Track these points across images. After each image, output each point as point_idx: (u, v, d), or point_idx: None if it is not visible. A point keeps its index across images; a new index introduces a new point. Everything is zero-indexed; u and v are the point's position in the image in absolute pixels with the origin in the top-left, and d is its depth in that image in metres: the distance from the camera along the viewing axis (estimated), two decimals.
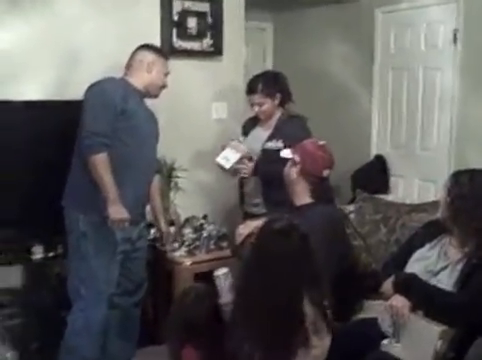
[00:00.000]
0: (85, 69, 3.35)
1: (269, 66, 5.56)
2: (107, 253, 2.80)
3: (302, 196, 2.68)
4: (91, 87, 2.78)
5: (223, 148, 3.28)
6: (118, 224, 2.69)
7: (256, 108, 3.31)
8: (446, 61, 4.24)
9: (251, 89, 3.30)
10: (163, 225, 3.18)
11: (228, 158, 3.23)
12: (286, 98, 3.37)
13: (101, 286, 2.82)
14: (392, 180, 4.70)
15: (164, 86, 2.99)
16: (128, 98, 2.78)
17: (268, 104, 3.28)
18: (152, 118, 2.99)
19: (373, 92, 4.85)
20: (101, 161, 2.65)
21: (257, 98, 3.27)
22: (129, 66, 2.93)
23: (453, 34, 4.17)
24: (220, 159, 3.24)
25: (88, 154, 2.67)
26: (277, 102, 3.31)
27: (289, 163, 2.71)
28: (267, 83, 3.29)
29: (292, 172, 2.67)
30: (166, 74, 2.98)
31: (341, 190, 4.43)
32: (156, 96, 3.00)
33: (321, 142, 2.74)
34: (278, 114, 3.33)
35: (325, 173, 2.66)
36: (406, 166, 4.59)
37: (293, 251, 2.02)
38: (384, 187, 4.60)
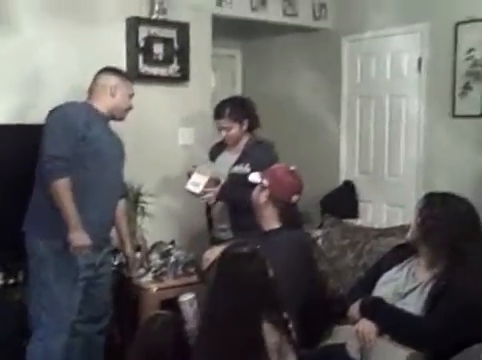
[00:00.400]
0: (48, 93, 3.31)
1: (238, 92, 5.58)
2: (69, 279, 2.73)
3: (270, 221, 2.65)
4: (52, 111, 2.74)
5: (189, 175, 3.25)
6: (80, 250, 2.64)
7: (223, 133, 3.29)
8: (411, 88, 4.31)
9: (218, 114, 3.29)
10: (129, 250, 3.12)
11: (197, 183, 3.20)
12: (254, 123, 3.37)
13: (63, 313, 2.75)
14: (361, 205, 4.73)
15: (129, 108, 2.95)
16: (91, 123, 2.73)
17: (235, 129, 3.27)
18: (117, 142, 2.94)
19: (341, 119, 4.90)
20: (62, 187, 2.60)
21: (224, 122, 3.26)
22: (92, 90, 2.88)
23: (417, 62, 4.24)
24: (190, 186, 3.21)
25: (49, 179, 2.61)
26: (245, 127, 3.30)
27: (258, 188, 2.68)
28: (234, 108, 3.28)
29: (260, 197, 2.65)
30: (131, 96, 2.95)
31: (310, 215, 4.41)
32: (122, 119, 2.96)
33: (292, 167, 2.73)
34: (245, 139, 3.32)
35: (294, 198, 2.64)
36: (374, 191, 4.62)
37: (253, 276, 1.99)
38: (353, 212, 4.61)
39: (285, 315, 2.06)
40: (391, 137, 4.52)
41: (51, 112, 2.74)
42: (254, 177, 2.75)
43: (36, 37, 3.37)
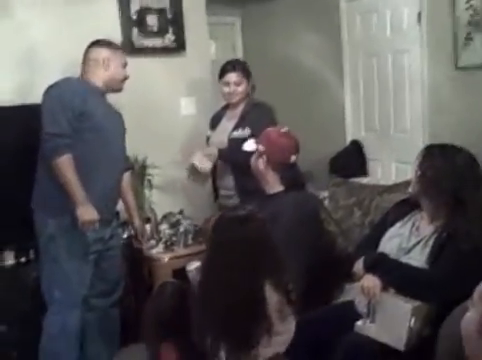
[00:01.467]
0: (44, 72, 3.29)
1: None
2: (79, 255, 2.76)
3: (273, 185, 2.65)
4: (49, 89, 2.73)
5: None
6: (88, 225, 2.65)
7: (232, 88, 3.29)
8: (413, 43, 4.23)
9: (231, 68, 3.31)
10: (137, 222, 3.14)
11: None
12: (253, 88, 3.39)
13: (75, 288, 2.78)
14: (370, 164, 4.70)
15: (125, 78, 2.93)
16: (88, 98, 2.73)
17: (244, 85, 3.30)
18: (116, 115, 2.94)
19: (344, 79, 4.84)
20: (65, 163, 2.61)
21: (236, 76, 3.28)
22: (84, 66, 2.88)
23: (417, 16, 4.16)
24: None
25: (51, 157, 2.62)
26: (249, 87, 3.32)
27: (255, 155, 2.67)
28: (243, 65, 3.36)
29: (259, 164, 2.64)
30: (124, 65, 2.93)
31: (319, 177, 4.42)
32: (119, 90, 2.95)
33: (283, 129, 2.71)
34: (243, 103, 3.33)
35: (292, 159, 2.63)
36: (382, 149, 4.59)
37: (250, 238, 1.98)
38: (362, 171, 4.59)
39: (286, 277, 2.06)
40: (395, 93, 4.45)
41: (47, 90, 2.74)
42: (249, 145, 2.74)
43: (29, 16, 3.34)
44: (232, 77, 3.29)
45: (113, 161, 2.86)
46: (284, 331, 2.01)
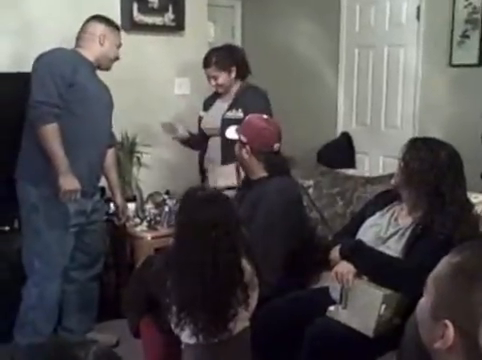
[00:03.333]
0: (41, 43, 3.25)
1: (237, 43, 5.52)
2: (60, 225, 2.77)
3: (257, 171, 2.66)
4: (40, 57, 2.73)
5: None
6: (69, 195, 2.66)
7: (212, 81, 3.32)
8: (409, 38, 4.26)
9: (205, 63, 3.33)
10: (119, 200, 3.15)
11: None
12: (243, 71, 3.38)
13: (55, 259, 2.80)
14: (358, 157, 4.74)
15: (116, 59, 2.93)
16: (78, 69, 2.73)
17: (223, 77, 3.29)
18: (104, 89, 2.94)
19: (339, 70, 4.87)
20: (51, 132, 2.61)
21: (211, 71, 3.29)
22: (80, 38, 2.88)
23: (416, 10, 4.17)
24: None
25: (38, 124, 2.63)
26: (233, 75, 3.31)
27: (237, 144, 2.67)
28: (220, 56, 3.30)
29: (242, 153, 2.64)
30: (118, 46, 2.93)
31: (307, 166, 4.44)
32: (108, 69, 2.95)
33: (264, 116, 2.72)
34: (236, 86, 3.34)
35: (276, 146, 2.63)
36: (371, 143, 4.62)
37: (225, 215, 2.00)
38: (350, 163, 4.63)
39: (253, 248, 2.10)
40: (389, 88, 4.48)
41: (39, 57, 2.74)
42: (231, 133, 2.74)
43: None
44: (208, 72, 3.32)
45: (99, 134, 2.87)
46: (252, 303, 2.05)
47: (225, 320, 1.96)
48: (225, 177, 3.15)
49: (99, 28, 2.86)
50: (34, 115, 2.64)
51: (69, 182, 2.63)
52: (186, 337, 2.00)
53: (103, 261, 3.11)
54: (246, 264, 2.03)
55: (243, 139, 2.62)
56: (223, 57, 3.29)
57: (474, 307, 1.01)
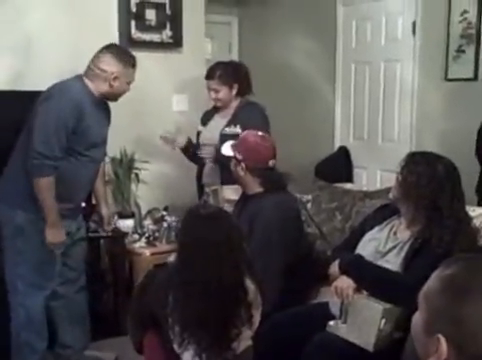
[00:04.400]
0: (39, 60, 3.33)
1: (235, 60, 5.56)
2: (45, 249, 2.73)
3: (253, 187, 2.67)
4: (47, 100, 2.62)
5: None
6: (54, 247, 2.70)
7: (212, 94, 3.35)
8: (406, 53, 4.29)
9: (209, 74, 3.35)
10: (104, 208, 3.12)
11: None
12: (245, 89, 3.41)
13: (40, 281, 2.78)
14: (355, 171, 4.75)
15: (125, 92, 2.83)
16: (84, 115, 2.64)
17: (224, 91, 3.31)
18: (105, 116, 2.88)
19: (336, 85, 4.89)
20: (46, 184, 2.61)
21: (213, 84, 3.32)
22: (90, 69, 2.72)
23: (412, 25, 4.21)
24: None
25: (35, 175, 2.61)
26: (234, 91, 3.34)
27: (233, 162, 2.68)
28: (225, 71, 3.33)
29: (238, 170, 2.65)
30: (129, 83, 2.80)
31: (305, 181, 4.45)
32: (115, 101, 2.87)
33: (260, 133, 2.73)
34: (236, 102, 3.36)
35: (271, 163, 2.64)
36: (369, 157, 4.64)
37: (229, 234, 2.00)
38: (347, 178, 4.63)
39: (255, 267, 2.09)
40: (385, 103, 4.51)
41: (46, 99, 2.63)
42: (226, 150, 2.74)
43: (26, 4, 3.37)
44: (210, 84, 3.34)
45: (94, 164, 2.86)
46: (255, 322, 2.04)
47: (229, 340, 1.95)
48: (233, 190, 3.13)
49: (112, 67, 2.69)
50: (33, 165, 2.60)
51: (56, 235, 2.67)
52: (189, 357, 1.99)
53: (84, 272, 3.07)
54: (249, 283, 2.03)
55: (238, 156, 2.64)
56: (227, 72, 3.32)
57: (465, 320, 1.01)
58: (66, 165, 2.67)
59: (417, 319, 1.11)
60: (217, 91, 3.31)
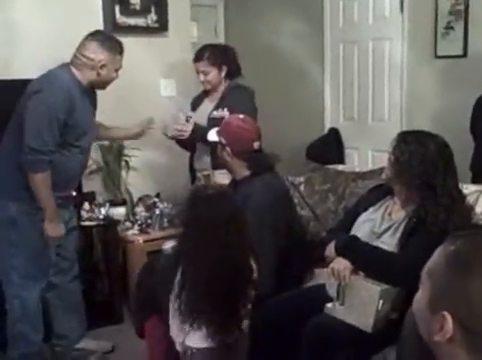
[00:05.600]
0: (24, 48, 3.27)
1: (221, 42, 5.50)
2: (39, 241, 2.71)
3: (240, 171, 2.66)
4: (38, 92, 2.56)
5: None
6: (53, 240, 2.69)
7: (201, 77, 3.31)
8: (394, 31, 4.26)
9: (197, 57, 3.31)
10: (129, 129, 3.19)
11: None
12: (234, 71, 3.38)
13: (34, 272, 2.75)
14: (347, 152, 4.73)
15: (113, 80, 2.80)
16: (74, 105, 2.61)
17: (213, 73, 3.28)
18: (92, 102, 2.84)
19: (325, 66, 4.86)
20: (42, 179, 2.58)
21: (202, 66, 3.28)
22: (77, 58, 2.67)
23: (400, 3, 4.17)
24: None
25: (29, 170, 2.58)
26: (223, 73, 3.31)
27: (219, 147, 2.67)
28: (214, 53, 3.30)
29: (224, 155, 2.65)
30: (117, 70, 2.77)
31: (296, 163, 4.44)
32: (103, 89, 2.83)
33: (241, 116, 2.71)
34: (224, 85, 3.33)
35: (255, 145, 2.63)
36: (359, 138, 4.62)
37: (234, 213, 2.01)
38: (339, 159, 4.61)
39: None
40: (375, 82, 4.48)
41: (36, 91, 2.56)
42: (212, 136, 2.74)
43: None
44: (199, 66, 3.30)
45: (84, 152, 2.82)
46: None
47: (239, 319, 1.96)
48: (225, 175, 3.11)
49: (99, 55, 2.65)
50: (27, 161, 2.57)
51: (55, 229, 2.66)
52: (197, 341, 1.98)
53: (77, 261, 3.04)
54: (252, 262, 2.04)
55: (223, 141, 2.63)
56: (216, 54, 3.29)
57: (471, 295, 0.99)
58: (58, 157, 2.63)
59: (420, 297, 1.09)
60: (206, 73, 3.28)
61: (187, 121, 3.23)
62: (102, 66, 2.67)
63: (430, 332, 1.05)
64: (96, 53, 2.65)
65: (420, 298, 1.09)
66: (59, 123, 2.58)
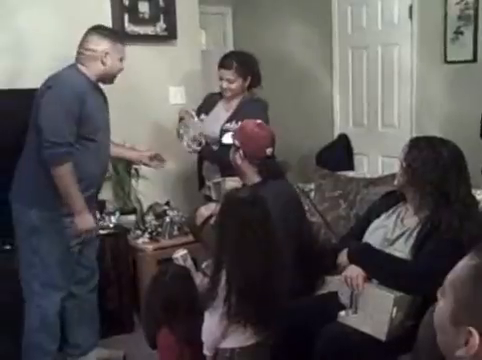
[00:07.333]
0: (33, 57, 3.28)
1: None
2: (61, 248, 2.71)
3: (251, 177, 2.66)
4: (50, 87, 2.61)
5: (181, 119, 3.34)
6: (85, 234, 2.67)
7: (224, 84, 3.26)
8: (403, 36, 4.24)
9: (224, 64, 3.25)
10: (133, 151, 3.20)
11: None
12: (255, 82, 3.35)
13: (56, 281, 2.75)
14: (356, 158, 4.71)
15: (120, 72, 2.84)
16: (85, 100, 2.64)
17: (238, 83, 3.25)
18: (104, 102, 2.87)
19: (333, 72, 4.84)
20: (66, 172, 2.58)
21: (229, 74, 3.23)
22: (81, 54, 2.73)
23: (409, 9, 4.16)
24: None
25: (51, 165, 2.58)
26: (247, 84, 3.28)
27: (232, 149, 2.68)
28: (242, 63, 3.26)
29: (236, 158, 2.65)
30: (122, 59, 2.81)
31: (306, 169, 4.43)
32: (111, 83, 2.86)
33: (258, 121, 2.71)
34: (241, 97, 3.30)
35: (268, 151, 2.63)
36: (369, 144, 4.60)
37: (267, 215, 2.06)
38: (348, 165, 4.59)
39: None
40: (384, 87, 4.46)
41: (49, 87, 2.61)
42: (227, 138, 2.75)
43: (18, 1, 3.31)
44: (225, 74, 3.24)
45: (104, 154, 2.84)
46: None
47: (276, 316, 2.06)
48: (236, 182, 3.10)
49: (101, 45, 2.71)
50: (47, 155, 2.57)
51: (85, 221, 2.64)
52: (241, 340, 2.05)
53: (98, 272, 3.05)
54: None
55: (236, 143, 2.64)
56: (244, 64, 3.24)
57: None
58: (75, 152, 2.63)
59: (442, 309, 1.07)
60: (231, 81, 3.23)
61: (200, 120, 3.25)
62: (106, 54, 2.72)
63: (452, 346, 1.02)
64: (98, 44, 2.72)
65: (442, 310, 1.07)
66: (74, 115, 2.60)
